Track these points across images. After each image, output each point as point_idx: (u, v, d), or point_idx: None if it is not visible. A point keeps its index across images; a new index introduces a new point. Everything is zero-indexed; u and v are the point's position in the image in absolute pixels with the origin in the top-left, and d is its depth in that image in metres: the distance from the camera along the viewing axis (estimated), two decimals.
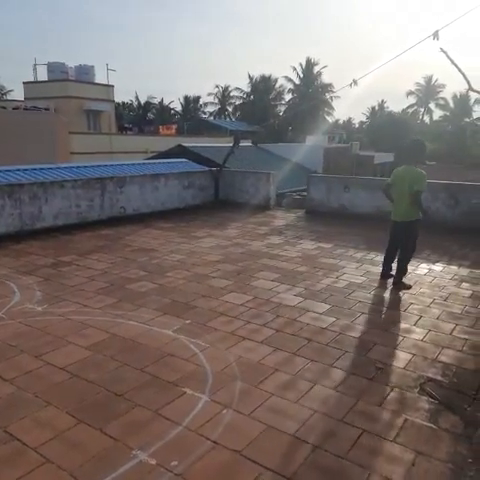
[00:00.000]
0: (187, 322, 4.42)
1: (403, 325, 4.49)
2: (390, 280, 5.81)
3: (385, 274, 5.92)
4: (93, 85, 28.94)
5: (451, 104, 45.68)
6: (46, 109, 22.43)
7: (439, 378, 3.47)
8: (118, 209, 9.80)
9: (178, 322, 4.41)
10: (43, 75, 28.77)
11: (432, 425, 2.90)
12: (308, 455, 2.58)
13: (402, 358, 3.78)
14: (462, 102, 43.21)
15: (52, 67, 28.42)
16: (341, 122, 58.44)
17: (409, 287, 5.59)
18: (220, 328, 4.29)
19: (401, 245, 5.72)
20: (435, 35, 4.58)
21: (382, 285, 5.74)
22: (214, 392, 3.20)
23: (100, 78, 29.85)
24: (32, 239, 7.78)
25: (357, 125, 61.19)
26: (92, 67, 29.81)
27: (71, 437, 2.73)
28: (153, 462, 2.51)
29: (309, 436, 2.75)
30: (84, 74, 28.94)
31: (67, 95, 26.45)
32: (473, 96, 36.61)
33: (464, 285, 5.77)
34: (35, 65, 29.66)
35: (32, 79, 29.25)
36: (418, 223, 5.58)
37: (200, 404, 3.05)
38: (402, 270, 5.71)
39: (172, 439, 2.70)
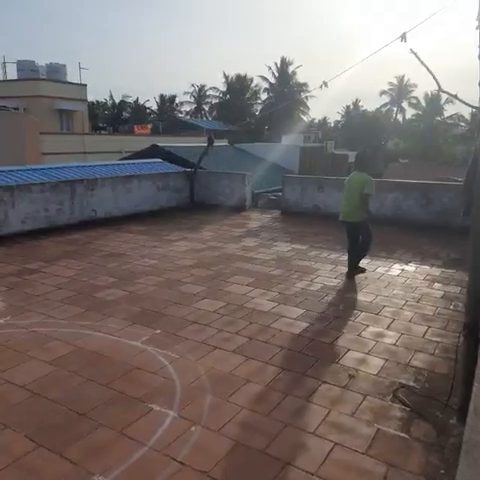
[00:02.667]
0: (157, 332, 4.28)
1: (376, 329, 4.46)
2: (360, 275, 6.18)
3: None
4: (65, 84, 28.23)
5: (423, 103, 46.54)
6: (15, 109, 21.78)
7: (411, 384, 3.44)
8: (89, 212, 9.54)
9: (147, 332, 4.26)
10: (12, 74, 27.99)
11: (404, 435, 2.85)
12: (278, 473, 2.49)
13: (375, 364, 3.73)
14: (433, 101, 44.07)
15: (22, 65, 27.61)
16: (317, 121, 58.83)
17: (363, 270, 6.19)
18: (191, 337, 4.17)
19: (350, 243, 6.19)
20: (403, 37, 4.57)
21: (357, 287, 5.72)
22: (183, 407, 3.08)
23: (72, 77, 29.22)
24: None
25: (332, 124, 61.70)
26: (64, 66, 29.10)
27: (28, 463, 2.57)
28: None
29: (280, 452, 2.66)
30: (55, 73, 28.21)
31: (38, 94, 25.70)
32: (444, 95, 37.36)
33: (436, 285, 5.80)
34: (4, 63, 28.87)
35: (1, 78, 28.43)
36: (364, 224, 5.97)
37: (167, 421, 2.93)
38: (353, 265, 6.17)
39: (136, 461, 2.57)
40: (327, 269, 6.46)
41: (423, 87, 47.34)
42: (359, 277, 6.12)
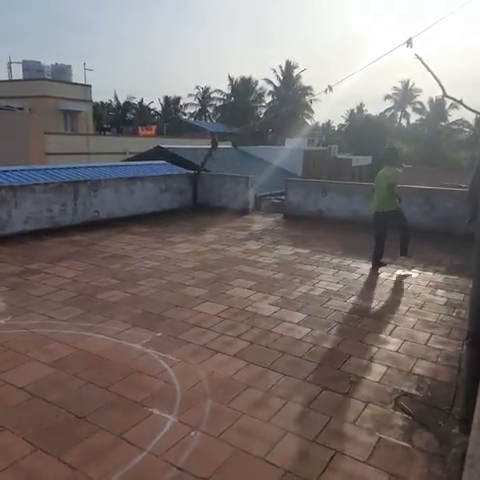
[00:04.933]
0: (158, 335, 4.26)
1: (378, 335, 4.43)
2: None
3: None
4: (70, 85, 28.35)
5: (427, 108, 46.54)
6: (20, 109, 21.82)
7: (414, 392, 3.41)
8: (92, 213, 9.54)
9: (148, 335, 4.24)
10: (18, 74, 28.13)
11: (406, 444, 2.82)
12: None
13: (377, 371, 3.70)
14: (438, 106, 44.04)
15: (28, 66, 27.78)
16: (321, 125, 58.82)
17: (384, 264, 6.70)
18: (192, 341, 4.15)
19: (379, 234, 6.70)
20: (409, 43, 4.56)
21: (359, 292, 5.68)
22: (182, 412, 3.05)
23: (77, 78, 29.31)
24: (0, 245, 7.48)
25: (336, 128, 61.67)
26: (69, 66, 29.25)
27: (26, 466, 2.55)
28: None
29: (280, 459, 2.63)
30: (61, 73, 28.36)
31: (43, 94, 25.80)
32: (448, 101, 37.32)
33: (439, 292, 5.76)
34: (10, 63, 29.00)
35: (6, 78, 28.57)
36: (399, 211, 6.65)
37: (167, 426, 2.90)
38: (404, 249, 6.73)
39: (135, 467, 2.54)
40: (329, 274, 6.43)
41: (428, 92, 47.28)
42: (361, 282, 6.10)
